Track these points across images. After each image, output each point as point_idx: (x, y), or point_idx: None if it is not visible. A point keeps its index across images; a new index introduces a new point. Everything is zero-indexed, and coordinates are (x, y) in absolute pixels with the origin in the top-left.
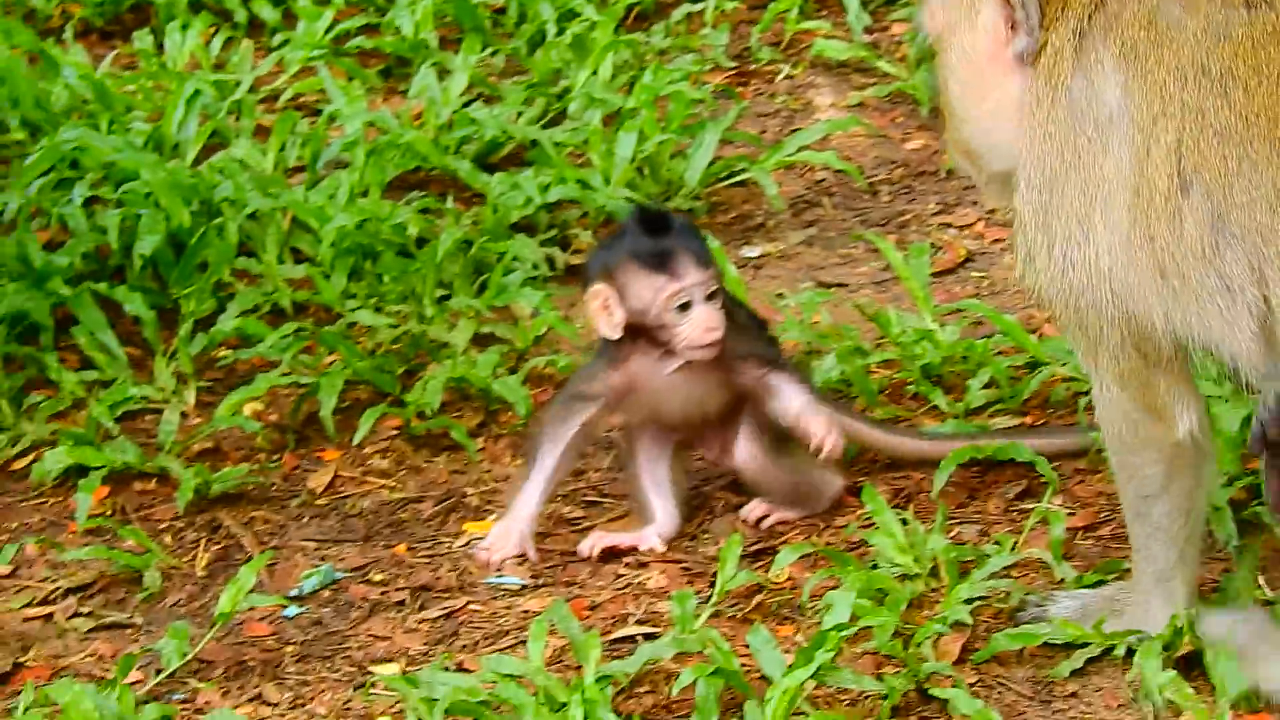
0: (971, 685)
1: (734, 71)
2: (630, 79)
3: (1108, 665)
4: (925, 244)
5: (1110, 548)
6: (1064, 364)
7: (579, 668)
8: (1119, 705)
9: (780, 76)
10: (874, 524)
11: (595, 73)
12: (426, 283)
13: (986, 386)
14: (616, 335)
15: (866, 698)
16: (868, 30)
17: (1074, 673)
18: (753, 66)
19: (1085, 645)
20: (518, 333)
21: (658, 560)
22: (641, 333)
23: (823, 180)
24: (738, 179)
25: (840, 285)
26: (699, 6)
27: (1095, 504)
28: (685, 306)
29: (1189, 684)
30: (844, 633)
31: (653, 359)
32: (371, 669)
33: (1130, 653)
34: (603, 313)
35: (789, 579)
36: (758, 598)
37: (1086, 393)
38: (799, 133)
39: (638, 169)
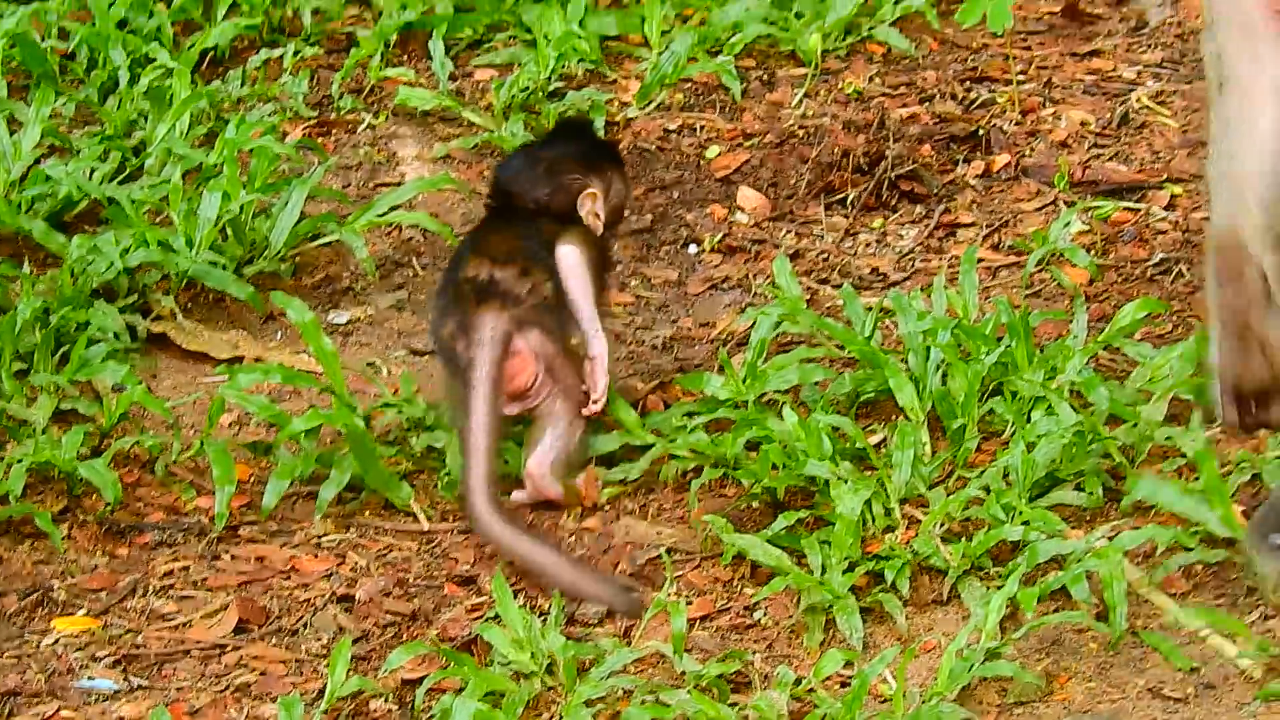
0: None
1: (315, 121)
2: (209, 131)
3: None
4: None
5: (729, 638)
6: (673, 440)
7: None
8: None
9: (363, 126)
10: (493, 615)
11: (174, 126)
12: (3, 356)
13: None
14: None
15: None
16: (452, 77)
17: None
18: (334, 116)
19: None
20: (101, 409)
21: (259, 658)
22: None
23: (411, 239)
24: (325, 240)
25: (432, 352)
26: (277, 52)
27: (712, 591)
28: None
29: None
30: None
31: None
32: None
33: None
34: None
35: (401, 680)
36: (371, 701)
37: (699, 472)
38: (389, 192)
39: (221, 230)
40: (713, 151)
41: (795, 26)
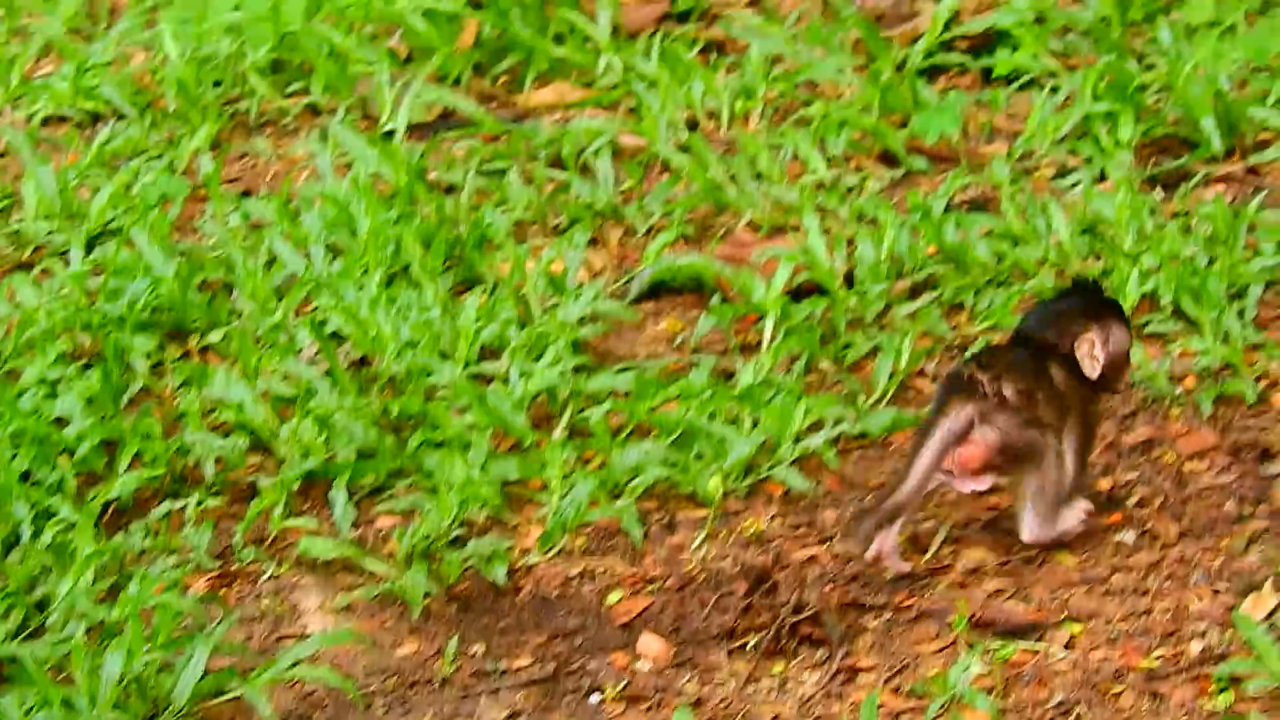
0: None
1: (217, 573)
2: (113, 584)
3: None
4: None
5: None
6: None
7: None
8: None
9: (265, 577)
10: None
11: (76, 582)
12: None
13: None
14: (1095, 374)
15: None
16: (355, 525)
17: None
18: (236, 567)
19: None
20: None
21: None
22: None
23: (314, 693)
24: (228, 696)
25: None
26: (180, 503)
27: None
28: None
29: None
30: None
31: None
32: None
33: None
34: (1090, 357)
35: None
36: None
37: None
38: (292, 646)
39: (124, 688)
40: (614, 597)
41: (695, 468)
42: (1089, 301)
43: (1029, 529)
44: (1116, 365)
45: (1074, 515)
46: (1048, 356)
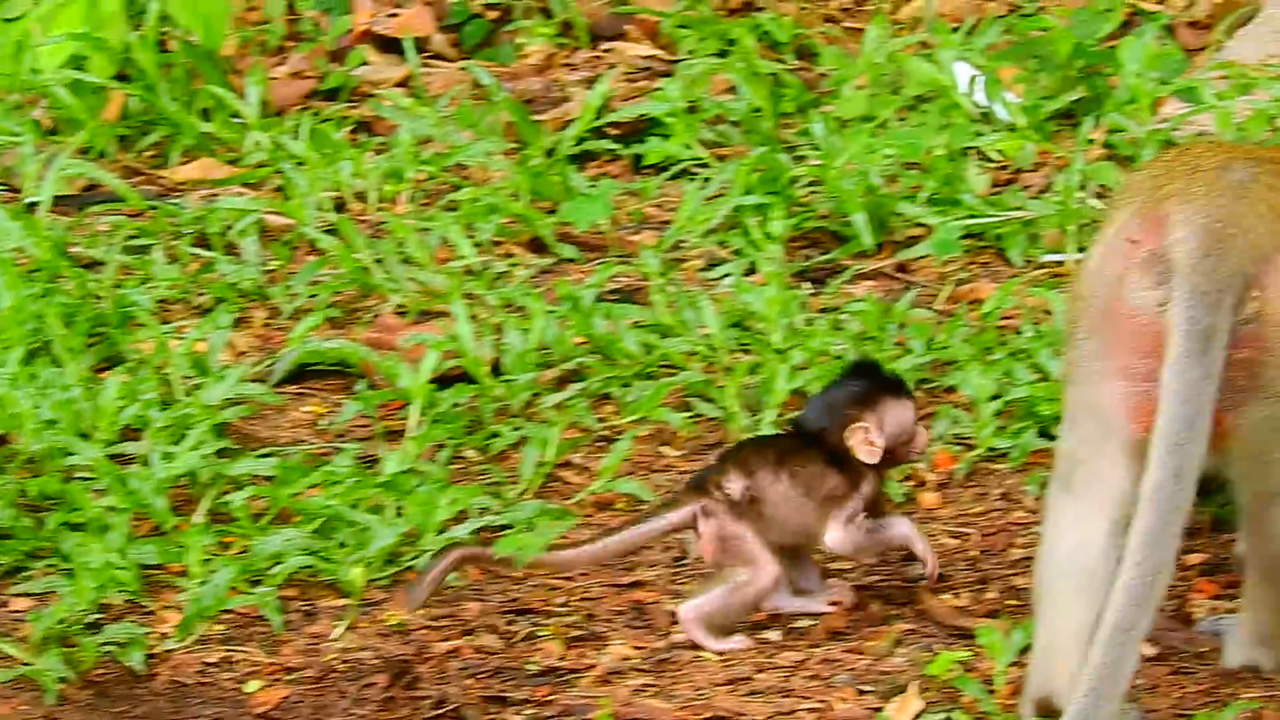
0: None
1: None
2: None
3: None
4: None
5: None
6: None
7: None
8: None
9: None
10: None
11: None
12: None
13: None
14: (876, 460)
15: None
16: None
17: None
18: None
19: None
20: None
21: None
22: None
23: None
24: None
25: None
26: None
27: None
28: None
29: None
30: None
31: None
32: None
33: None
34: (866, 445)
35: None
36: None
37: None
38: None
39: None
40: (252, 686)
41: (337, 556)
42: (861, 387)
43: (692, 610)
44: (902, 442)
45: (730, 644)
46: (813, 449)
